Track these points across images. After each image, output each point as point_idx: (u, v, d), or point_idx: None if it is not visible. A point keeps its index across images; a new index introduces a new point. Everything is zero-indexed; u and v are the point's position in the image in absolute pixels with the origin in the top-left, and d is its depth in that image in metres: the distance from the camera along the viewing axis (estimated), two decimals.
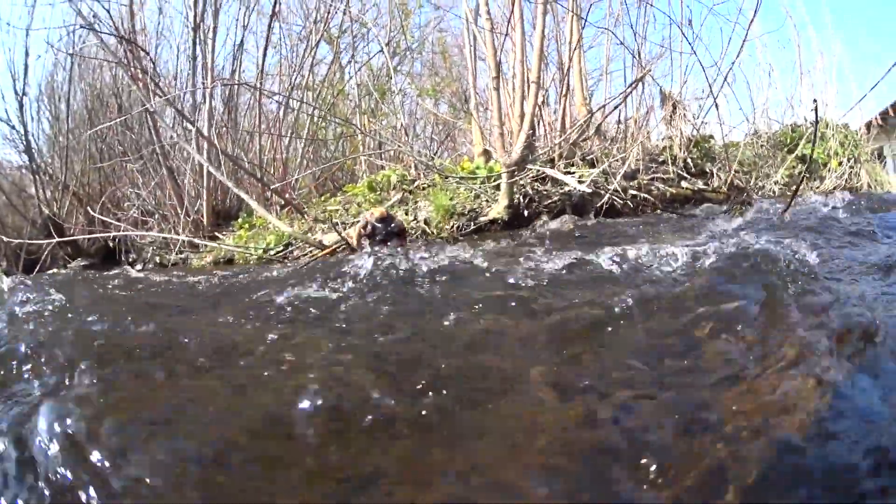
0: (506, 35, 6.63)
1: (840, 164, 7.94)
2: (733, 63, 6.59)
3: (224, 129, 8.59)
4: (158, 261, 8.19)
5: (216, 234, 7.66)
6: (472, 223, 5.87)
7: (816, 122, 5.25)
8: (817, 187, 7.53)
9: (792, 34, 9.15)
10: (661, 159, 6.62)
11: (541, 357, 1.74)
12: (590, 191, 5.57)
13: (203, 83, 7.79)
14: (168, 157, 8.22)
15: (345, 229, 5.57)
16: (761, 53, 8.95)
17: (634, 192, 5.92)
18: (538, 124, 6.62)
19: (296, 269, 4.27)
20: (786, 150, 7.84)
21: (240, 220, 7.71)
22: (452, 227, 5.88)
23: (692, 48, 6.19)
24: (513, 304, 2.19)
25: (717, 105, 6.61)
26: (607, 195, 5.53)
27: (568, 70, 6.51)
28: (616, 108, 6.51)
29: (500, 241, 4.79)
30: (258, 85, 8.37)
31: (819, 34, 11.04)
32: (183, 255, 7.57)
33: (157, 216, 8.52)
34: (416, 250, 3.85)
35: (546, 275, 2.50)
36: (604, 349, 1.75)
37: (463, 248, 4.29)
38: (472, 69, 7.85)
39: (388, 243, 4.22)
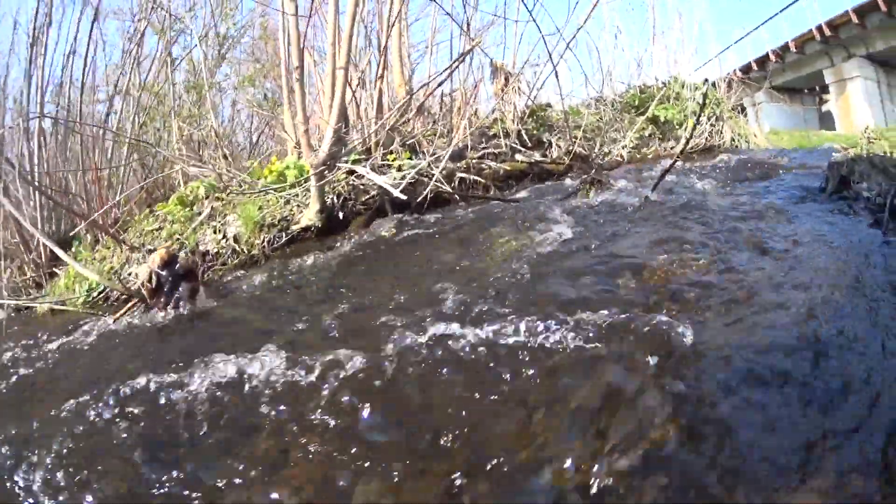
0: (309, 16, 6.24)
1: (698, 123, 7.98)
2: (579, 29, 6.48)
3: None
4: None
5: (55, 269, 6.82)
6: (284, 234, 5.51)
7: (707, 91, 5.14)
8: (672, 148, 7.55)
9: None
10: (492, 133, 6.38)
11: None
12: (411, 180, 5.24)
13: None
14: None
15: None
16: (608, 16, 8.99)
17: (463, 175, 5.64)
18: (354, 112, 6.22)
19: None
20: (634, 112, 7.83)
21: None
22: (263, 241, 5.48)
23: (530, 14, 5.99)
24: None
25: (556, 73, 6.46)
26: (431, 183, 5.17)
27: (385, 47, 6.19)
28: (440, 85, 6.24)
29: (310, 255, 4.66)
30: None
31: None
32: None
33: None
34: (208, 295, 4.08)
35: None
36: None
37: (269, 272, 4.36)
38: (284, 57, 7.48)
39: (179, 289, 3.97)
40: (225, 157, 7.57)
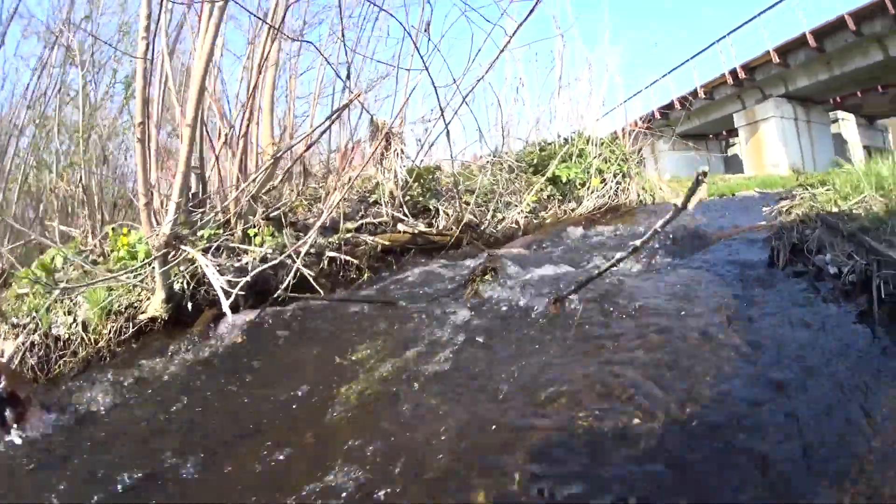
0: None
1: (604, 181, 7.76)
2: (478, 80, 6.08)
3: None
4: None
5: None
6: (131, 324, 4.83)
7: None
8: (573, 210, 7.28)
9: (557, 45, 9.00)
10: (371, 199, 5.94)
11: None
12: (273, 262, 4.72)
13: None
14: None
15: None
16: (510, 69, 8.77)
17: (334, 254, 5.18)
18: (217, 178, 5.64)
19: None
20: (532, 172, 7.55)
21: None
22: (111, 330, 4.80)
23: (424, 64, 5.47)
24: None
25: (448, 131, 6.05)
26: (295, 267, 4.67)
27: (250, 97, 5.57)
28: (309, 147, 5.75)
29: (154, 358, 4.04)
30: None
31: (590, 45, 11.30)
32: None
33: None
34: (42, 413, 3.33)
35: None
36: None
37: (113, 376, 3.70)
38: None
39: (5, 414, 3.29)
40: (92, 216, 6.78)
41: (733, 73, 26.64)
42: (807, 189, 5.93)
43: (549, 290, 4.10)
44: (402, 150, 6.22)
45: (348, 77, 5.77)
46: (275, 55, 5.70)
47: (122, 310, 4.82)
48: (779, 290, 3.72)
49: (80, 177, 7.60)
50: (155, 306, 4.73)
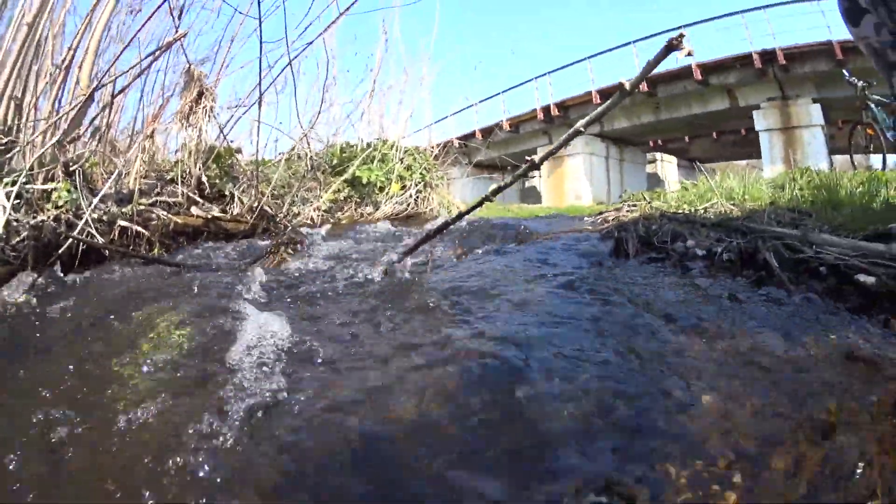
0: None
1: (404, 187, 8.70)
2: (305, 48, 6.82)
3: None
4: None
5: None
6: None
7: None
8: (370, 214, 8.17)
9: (379, 47, 10.28)
10: (169, 177, 6.42)
11: None
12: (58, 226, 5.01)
13: None
14: None
15: None
16: (321, 66, 9.54)
17: (125, 224, 5.58)
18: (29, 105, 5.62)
19: None
20: (331, 172, 8.37)
21: None
22: None
23: (260, 22, 5.70)
24: None
25: (260, 102, 6.63)
26: (80, 231, 4.99)
27: (82, 29, 5.79)
28: (122, 91, 6.05)
29: None
30: None
31: (413, 54, 12.25)
32: None
33: None
34: None
35: None
36: None
37: None
38: None
39: None
40: None
41: (546, 109, 29.38)
42: (634, 204, 6.75)
43: (363, 263, 4.31)
44: (212, 108, 6.54)
45: (179, 16, 6.14)
46: None
47: None
48: (640, 269, 3.88)
49: None
50: None
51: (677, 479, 1.59)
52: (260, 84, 6.20)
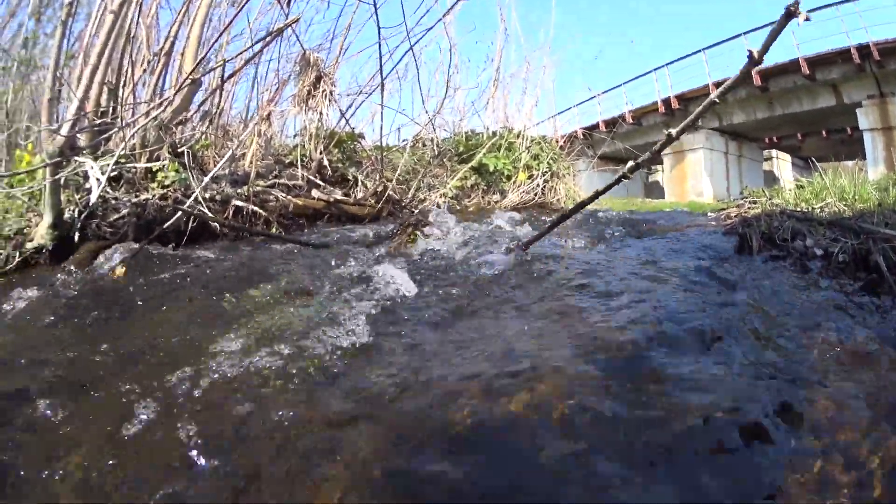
0: None
1: (531, 176, 7.71)
2: (425, 33, 6.09)
3: None
4: None
5: None
6: (18, 252, 4.28)
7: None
8: (497, 202, 7.21)
9: (498, 36, 8.89)
10: (287, 161, 5.70)
11: None
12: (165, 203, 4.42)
13: None
14: None
15: None
16: (443, 56, 8.62)
17: (241, 204, 5.03)
18: (126, 89, 5.22)
19: None
20: (457, 160, 7.45)
21: None
22: None
23: (375, 8, 5.13)
24: None
25: (383, 86, 5.85)
26: (188, 206, 4.37)
27: (181, 12, 5.32)
28: (232, 75, 5.43)
29: (28, 290, 3.48)
30: None
31: (532, 43, 11.15)
32: None
33: None
34: None
35: None
36: None
37: None
38: None
39: None
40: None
41: (666, 101, 27.59)
42: (755, 201, 6.15)
43: (491, 247, 3.92)
44: (331, 92, 5.88)
45: (289, 4, 5.45)
46: None
47: (12, 235, 4.38)
48: (763, 267, 3.75)
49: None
50: (41, 232, 4.32)
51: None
52: (381, 69, 5.52)
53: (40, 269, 4.19)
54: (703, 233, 4.83)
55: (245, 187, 5.28)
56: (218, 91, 5.32)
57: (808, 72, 21.97)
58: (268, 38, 5.02)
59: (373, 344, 2.37)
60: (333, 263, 3.74)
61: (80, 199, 4.51)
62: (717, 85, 23.55)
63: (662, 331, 2.34)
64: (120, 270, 3.82)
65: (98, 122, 4.58)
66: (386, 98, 7.46)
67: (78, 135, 4.27)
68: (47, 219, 4.27)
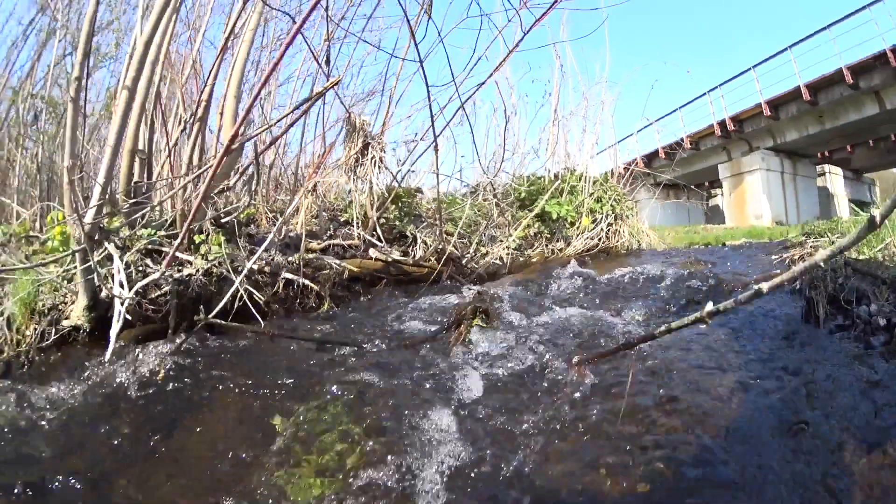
0: None
1: (595, 221, 7.12)
2: (476, 90, 5.46)
3: None
4: None
5: None
6: (54, 329, 3.86)
7: None
8: (561, 250, 6.61)
9: (555, 74, 8.37)
10: (343, 219, 5.23)
11: None
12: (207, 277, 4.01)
13: None
14: None
15: None
16: (500, 95, 8.09)
17: (290, 276, 4.55)
18: (158, 161, 4.93)
19: None
20: (519, 207, 6.90)
21: None
22: (34, 333, 3.84)
23: (421, 64, 4.57)
24: None
25: (436, 145, 5.28)
26: (240, 287, 3.94)
27: (212, 75, 4.76)
28: (273, 142, 5.08)
29: (69, 374, 3.27)
30: None
31: (588, 78, 10.57)
32: None
33: None
34: None
35: None
36: None
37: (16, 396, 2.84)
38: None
39: None
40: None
41: (722, 123, 26.64)
42: (814, 237, 5.66)
43: (556, 344, 3.38)
44: (381, 159, 5.40)
45: (327, 62, 4.95)
46: (252, 26, 4.69)
47: (46, 311, 3.94)
48: (829, 344, 3.22)
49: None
50: (77, 313, 3.86)
51: None
52: (433, 127, 4.82)
53: (78, 350, 3.76)
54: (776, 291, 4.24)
55: (297, 255, 4.75)
56: (255, 162, 4.90)
57: (851, 80, 20.93)
58: (307, 105, 4.41)
59: None
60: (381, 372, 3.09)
61: (108, 275, 3.95)
62: (770, 103, 22.72)
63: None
64: (160, 373, 3.25)
65: (130, 201, 4.17)
66: (442, 146, 6.99)
67: (97, 218, 3.75)
68: (82, 300, 3.84)
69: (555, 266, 5.92)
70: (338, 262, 5.01)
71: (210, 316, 3.67)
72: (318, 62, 5.19)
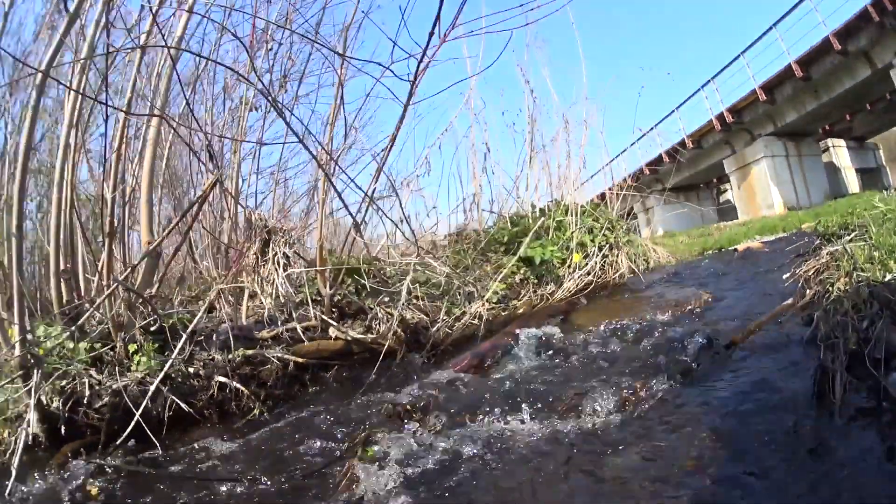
0: None
1: (587, 255, 6.38)
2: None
3: None
4: None
5: None
6: (15, 440, 3.69)
7: None
8: (552, 293, 5.90)
9: (526, 101, 7.81)
10: (298, 298, 4.72)
11: None
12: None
13: None
14: None
15: None
16: (475, 134, 7.44)
17: (223, 380, 4.08)
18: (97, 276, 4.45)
19: None
20: (503, 250, 6.21)
21: None
22: (8, 439, 3.77)
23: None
24: None
25: (402, 206, 4.74)
26: (165, 393, 3.60)
27: (112, 183, 4.34)
28: (177, 250, 4.90)
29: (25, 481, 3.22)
30: None
31: (565, 101, 9.75)
32: None
33: None
34: None
35: None
36: None
37: None
38: None
39: None
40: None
41: (720, 117, 25.79)
42: (830, 240, 4.53)
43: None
44: (285, 254, 4.95)
45: (211, 159, 4.56)
46: (152, 137, 4.43)
47: (13, 419, 3.84)
48: (845, 439, 2.27)
49: None
50: (33, 425, 3.73)
51: None
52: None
53: (39, 454, 3.66)
54: (774, 348, 3.39)
55: (235, 353, 4.17)
56: (169, 262, 4.42)
57: (839, 46, 20.02)
58: (196, 203, 4.30)
59: None
60: None
61: (60, 387, 3.79)
62: (764, 87, 21.85)
63: None
64: (93, 489, 3.07)
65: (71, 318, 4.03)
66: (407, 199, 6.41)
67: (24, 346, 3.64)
68: (34, 414, 3.69)
69: (527, 322, 5.23)
70: (280, 354, 4.40)
71: (124, 436, 3.54)
72: (199, 160, 4.80)
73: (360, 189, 4.15)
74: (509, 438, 3.01)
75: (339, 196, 4.85)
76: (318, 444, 3.32)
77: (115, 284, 3.92)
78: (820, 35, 20.69)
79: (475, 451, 2.87)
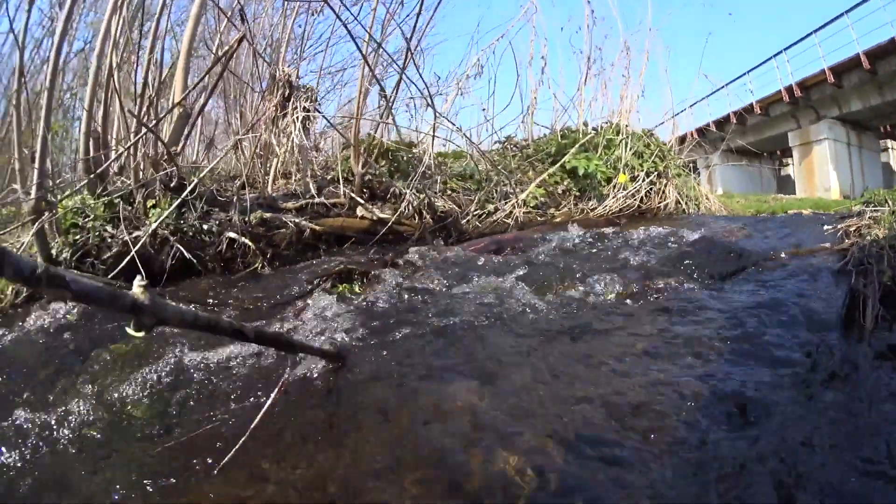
0: None
1: (634, 178, 5.95)
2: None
3: None
4: None
5: None
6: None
7: None
8: (593, 209, 5.50)
9: (586, 20, 7.37)
10: (329, 177, 4.35)
11: None
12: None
13: None
14: None
15: None
16: (530, 44, 7.01)
17: (233, 235, 3.96)
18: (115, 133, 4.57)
19: None
20: (549, 160, 5.81)
21: None
22: (12, 292, 3.72)
23: None
24: None
25: (431, 102, 4.74)
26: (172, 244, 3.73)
27: (154, 36, 4.27)
28: (203, 107, 4.52)
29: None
30: None
31: (631, 30, 9.12)
32: None
33: None
34: None
35: None
36: None
37: None
38: None
39: None
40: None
41: (789, 89, 24.09)
42: (875, 206, 4.45)
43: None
44: (307, 108, 4.66)
45: (242, 19, 4.37)
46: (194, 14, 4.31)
47: None
48: (872, 369, 1.96)
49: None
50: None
51: None
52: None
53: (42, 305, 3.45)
54: (808, 270, 3.09)
55: (253, 215, 4.03)
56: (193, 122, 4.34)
57: None
58: (222, 57, 4.08)
59: None
60: None
61: (73, 240, 3.81)
62: (832, 70, 20.59)
63: None
64: (72, 317, 3.14)
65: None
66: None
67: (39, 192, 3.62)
68: (41, 262, 3.32)
69: (571, 225, 4.86)
70: (297, 220, 4.17)
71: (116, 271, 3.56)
72: (228, 19, 4.68)
73: (393, 61, 3.82)
74: (491, 299, 2.76)
75: (373, 73, 4.50)
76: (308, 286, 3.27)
77: (144, 131, 3.77)
78: (887, 34, 19.36)
79: (445, 302, 2.65)
